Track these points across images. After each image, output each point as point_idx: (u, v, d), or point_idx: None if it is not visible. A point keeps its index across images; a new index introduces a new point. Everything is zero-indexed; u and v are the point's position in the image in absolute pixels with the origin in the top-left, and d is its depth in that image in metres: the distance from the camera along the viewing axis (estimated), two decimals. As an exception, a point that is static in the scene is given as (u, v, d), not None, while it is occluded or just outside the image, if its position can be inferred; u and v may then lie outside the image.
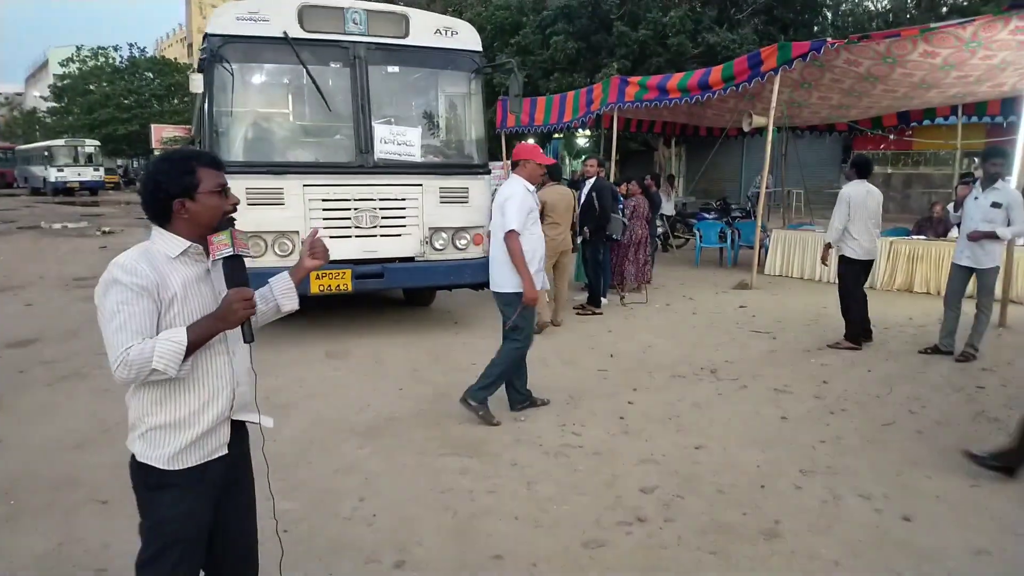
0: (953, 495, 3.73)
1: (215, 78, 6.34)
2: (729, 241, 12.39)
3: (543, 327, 7.30)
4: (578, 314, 8.24)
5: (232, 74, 6.40)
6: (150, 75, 48.91)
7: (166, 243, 1.94)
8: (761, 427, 4.73)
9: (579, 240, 8.22)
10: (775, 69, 8.83)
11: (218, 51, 6.30)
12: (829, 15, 23.79)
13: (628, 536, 3.31)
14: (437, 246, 7.08)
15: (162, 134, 41.08)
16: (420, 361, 6.33)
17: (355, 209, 6.72)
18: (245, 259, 1.98)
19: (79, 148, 36.16)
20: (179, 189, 1.91)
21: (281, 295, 2.23)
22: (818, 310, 8.52)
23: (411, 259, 6.97)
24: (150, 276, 1.85)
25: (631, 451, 4.30)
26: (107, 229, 17.96)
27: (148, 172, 1.95)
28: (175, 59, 53.93)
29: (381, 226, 6.81)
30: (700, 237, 12.56)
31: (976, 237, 6.09)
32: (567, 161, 28.33)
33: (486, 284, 7.92)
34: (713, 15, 20.12)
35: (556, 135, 24.18)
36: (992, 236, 6.05)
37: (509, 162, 5.52)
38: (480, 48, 7.30)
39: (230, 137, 6.61)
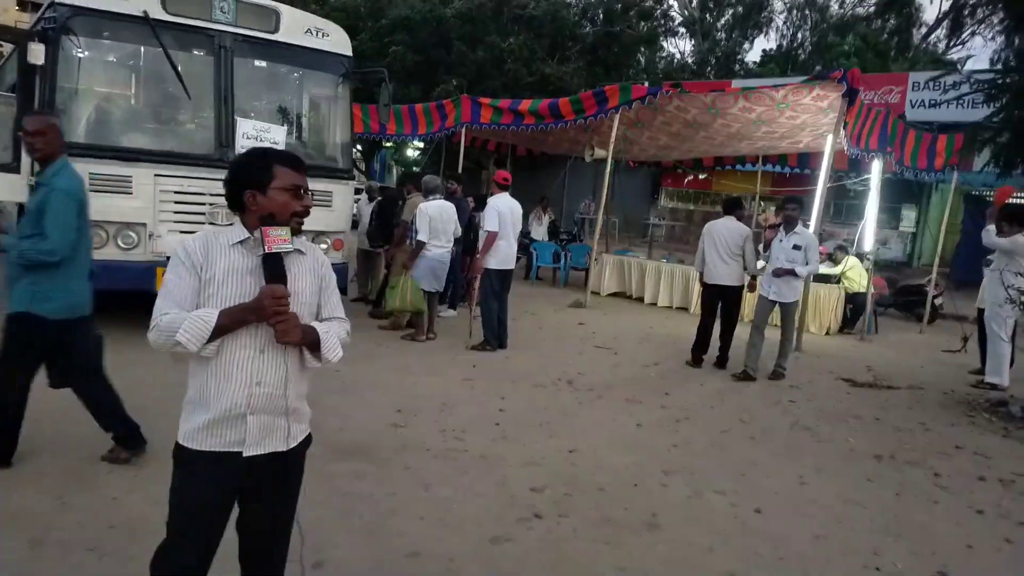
0: (788, 491, 4.37)
1: (61, 51, 5.81)
2: (562, 262, 13.16)
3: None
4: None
5: (81, 49, 5.90)
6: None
7: (234, 230, 2.06)
8: (621, 433, 5.18)
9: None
10: (617, 107, 9.60)
11: (67, 22, 5.78)
12: (643, 60, 26.08)
13: (530, 531, 3.54)
14: (296, 249, 6.92)
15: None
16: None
17: (210, 204, 6.43)
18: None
19: None
20: (251, 182, 2.02)
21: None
22: (646, 328, 9.35)
23: None
24: (198, 255, 1.99)
25: (513, 454, 4.54)
26: None
27: (230, 164, 2.10)
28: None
29: (238, 224, 6.54)
30: (536, 257, 13.22)
31: (779, 274, 7.02)
32: (394, 172, 28.28)
33: (344, 290, 7.94)
34: (546, 47, 21.27)
35: (386, 144, 24.11)
36: (792, 274, 7.02)
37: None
38: (350, 53, 7.27)
39: (73, 117, 6.07)
